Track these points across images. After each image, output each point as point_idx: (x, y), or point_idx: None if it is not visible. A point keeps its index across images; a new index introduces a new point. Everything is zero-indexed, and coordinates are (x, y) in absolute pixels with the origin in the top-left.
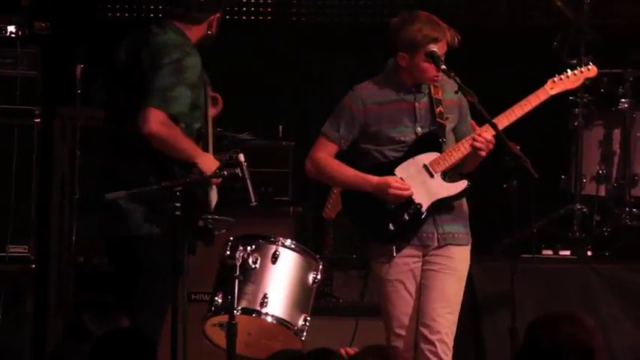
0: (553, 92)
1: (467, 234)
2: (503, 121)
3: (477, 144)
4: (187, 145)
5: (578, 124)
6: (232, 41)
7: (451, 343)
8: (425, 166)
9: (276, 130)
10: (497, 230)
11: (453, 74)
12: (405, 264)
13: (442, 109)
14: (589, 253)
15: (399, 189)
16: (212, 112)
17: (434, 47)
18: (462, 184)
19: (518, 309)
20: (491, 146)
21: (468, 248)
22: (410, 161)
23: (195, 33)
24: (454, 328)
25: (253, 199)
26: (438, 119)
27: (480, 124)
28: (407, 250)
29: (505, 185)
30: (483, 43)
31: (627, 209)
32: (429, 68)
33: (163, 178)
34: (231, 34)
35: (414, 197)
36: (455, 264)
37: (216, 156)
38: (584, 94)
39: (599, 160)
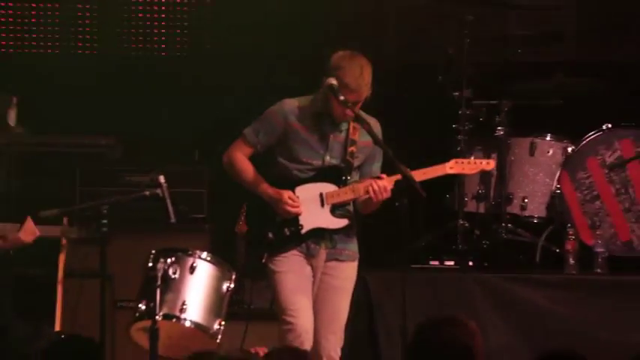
0: (451, 172)
1: (354, 251)
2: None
3: (371, 188)
4: None
5: (461, 149)
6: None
7: (338, 353)
8: (321, 194)
9: (192, 155)
10: (391, 243)
11: (358, 112)
12: (292, 262)
13: (354, 150)
14: (470, 264)
15: (290, 205)
16: None
17: (333, 81)
18: (342, 222)
19: (408, 312)
20: (384, 195)
21: (355, 264)
22: (311, 185)
23: None
24: (342, 340)
25: (172, 217)
26: (348, 157)
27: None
28: (290, 252)
29: (397, 204)
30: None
31: (503, 224)
32: (338, 107)
33: None
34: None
35: (300, 217)
36: (343, 283)
37: None
38: (465, 122)
39: (479, 181)
